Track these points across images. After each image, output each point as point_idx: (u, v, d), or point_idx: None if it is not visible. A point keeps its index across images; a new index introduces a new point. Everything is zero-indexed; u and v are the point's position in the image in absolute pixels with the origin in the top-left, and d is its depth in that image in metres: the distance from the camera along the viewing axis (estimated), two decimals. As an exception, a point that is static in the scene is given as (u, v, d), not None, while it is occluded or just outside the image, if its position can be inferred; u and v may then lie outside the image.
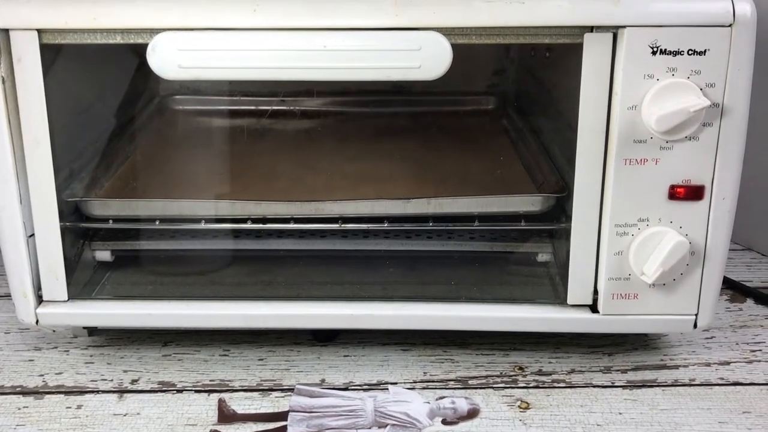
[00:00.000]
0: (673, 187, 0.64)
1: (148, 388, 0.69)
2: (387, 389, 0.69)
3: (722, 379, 0.71)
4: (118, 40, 0.62)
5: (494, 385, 0.70)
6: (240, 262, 0.77)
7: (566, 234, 0.67)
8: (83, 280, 0.73)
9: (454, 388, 0.69)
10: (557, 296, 0.70)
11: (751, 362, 0.73)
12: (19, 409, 0.67)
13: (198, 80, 0.63)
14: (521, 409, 0.66)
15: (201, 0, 0.61)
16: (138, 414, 0.66)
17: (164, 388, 0.69)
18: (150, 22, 0.61)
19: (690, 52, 0.60)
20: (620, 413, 0.66)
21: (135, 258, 0.77)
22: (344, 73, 0.60)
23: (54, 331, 0.77)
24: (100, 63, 0.80)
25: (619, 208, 0.64)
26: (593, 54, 0.61)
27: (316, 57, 0.60)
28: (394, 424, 0.64)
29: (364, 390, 0.69)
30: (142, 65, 0.61)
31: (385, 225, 0.73)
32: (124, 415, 0.66)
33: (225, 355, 0.74)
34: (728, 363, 0.73)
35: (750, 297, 0.85)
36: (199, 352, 0.75)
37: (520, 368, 0.72)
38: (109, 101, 0.85)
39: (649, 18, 0.60)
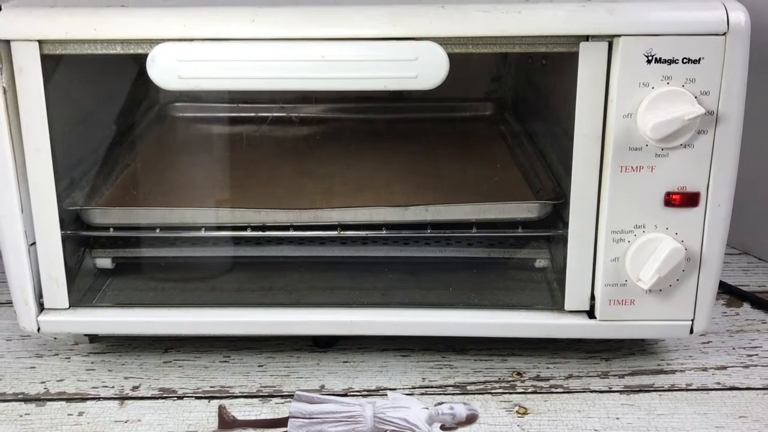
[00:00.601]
0: (668, 194, 0.64)
1: (149, 395, 0.70)
2: (386, 395, 0.70)
3: (719, 383, 0.71)
4: (118, 50, 0.63)
5: (492, 391, 0.70)
6: (240, 269, 0.78)
7: (563, 240, 0.68)
8: (84, 288, 0.73)
9: (453, 394, 0.70)
10: (555, 302, 0.70)
11: (747, 367, 0.74)
12: (21, 416, 0.67)
13: (197, 90, 0.64)
14: (519, 415, 0.67)
15: (200, 11, 0.62)
16: (139, 420, 0.66)
17: (165, 395, 0.70)
18: (149, 32, 0.61)
19: (684, 61, 0.61)
20: (617, 418, 0.66)
21: (136, 265, 0.77)
22: (342, 83, 0.61)
23: (55, 338, 0.77)
24: (100, 72, 0.81)
25: (616, 215, 0.65)
26: (589, 62, 0.62)
27: (314, 67, 0.60)
28: (393, 430, 0.65)
29: (363, 396, 0.69)
30: (142, 73, 0.62)
31: (384, 232, 0.73)
32: (125, 422, 0.66)
33: (225, 361, 0.75)
34: (725, 368, 0.73)
35: (746, 301, 0.86)
36: (200, 358, 0.75)
37: (518, 374, 0.72)
38: (109, 110, 0.86)
39: (643, 27, 0.60)
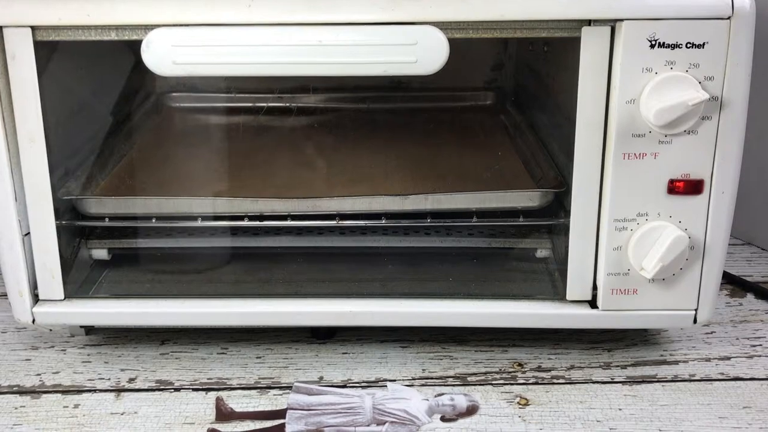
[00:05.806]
0: (672, 182, 0.63)
1: (146, 387, 0.69)
2: (385, 386, 0.69)
3: (722, 374, 0.70)
4: (113, 36, 0.62)
5: (493, 382, 0.69)
6: (237, 260, 0.77)
7: (565, 229, 0.67)
8: (80, 279, 0.73)
9: (453, 385, 0.69)
10: (556, 292, 0.69)
11: (751, 357, 0.73)
12: (16, 408, 0.66)
13: (193, 76, 0.63)
14: (520, 406, 0.66)
15: (195, -5, 0.61)
16: (135, 413, 0.66)
17: (162, 387, 0.69)
18: (144, 18, 0.60)
19: (688, 45, 0.60)
20: (620, 409, 0.66)
21: (132, 256, 0.77)
22: (340, 68, 0.60)
23: (51, 330, 0.77)
24: (95, 60, 0.80)
25: (618, 203, 0.64)
26: (591, 48, 0.61)
27: (311, 52, 0.60)
28: (392, 422, 0.64)
29: (363, 387, 0.69)
30: (138, 62, 0.61)
31: (383, 221, 0.72)
32: (122, 414, 0.66)
33: (223, 353, 0.74)
34: (728, 358, 0.73)
35: (750, 292, 0.85)
36: (197, 350, 0.74)
37: (520, 364, 0.72)
38: (105, 98, 0.85)
39: (646, 11, 0.59)
